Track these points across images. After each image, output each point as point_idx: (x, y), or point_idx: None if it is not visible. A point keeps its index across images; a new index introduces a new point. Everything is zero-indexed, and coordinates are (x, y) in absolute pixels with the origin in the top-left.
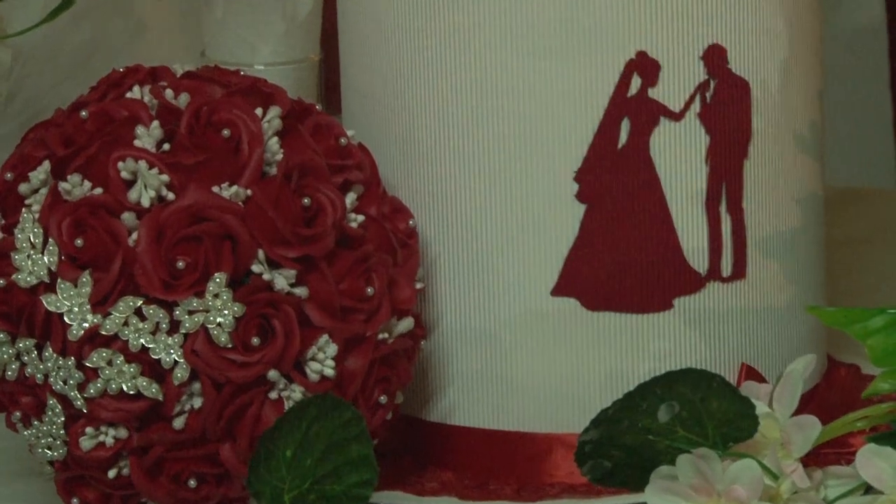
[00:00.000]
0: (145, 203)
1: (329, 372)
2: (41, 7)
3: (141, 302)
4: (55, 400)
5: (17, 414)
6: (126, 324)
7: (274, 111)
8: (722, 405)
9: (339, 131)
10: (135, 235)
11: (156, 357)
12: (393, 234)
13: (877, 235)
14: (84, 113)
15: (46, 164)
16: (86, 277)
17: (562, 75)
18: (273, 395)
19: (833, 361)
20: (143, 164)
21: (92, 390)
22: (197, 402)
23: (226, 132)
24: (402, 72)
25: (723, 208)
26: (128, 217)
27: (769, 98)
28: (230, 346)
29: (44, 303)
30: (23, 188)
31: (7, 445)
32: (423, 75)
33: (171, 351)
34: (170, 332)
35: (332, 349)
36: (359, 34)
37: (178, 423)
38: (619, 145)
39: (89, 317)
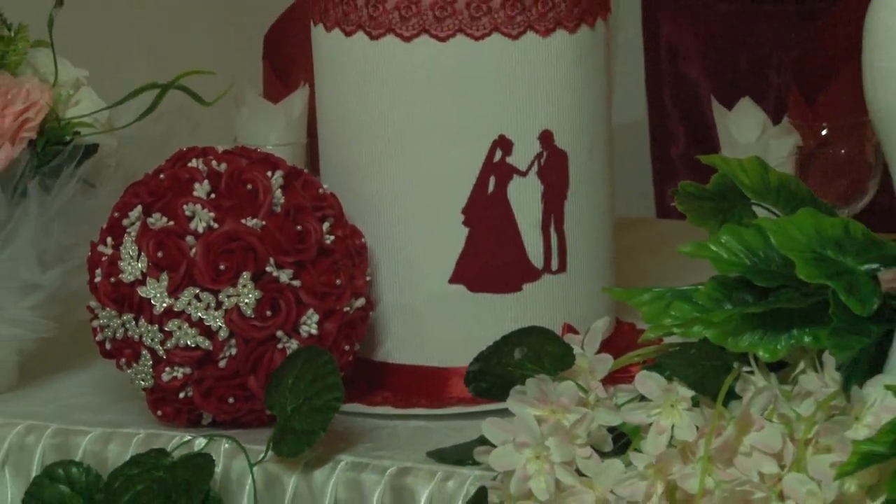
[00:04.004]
0: (200, 230)
1: (314, 332)
2: (134, 111)
3: (198, 290)
4: (146, 351)
5: (123, 360)
6: (189, 304)
7: (279, 173)
8: (553, 348)
9: (318, 185)
10: (194, 250)
11: (207, 324)
12: (352, 247)
13: (642, 247)
14: (162, 175)
15: (139, 207)
16: (164, 276)
17: (453, 150)
18: (280, 346)
19: (619, 321)
20: (198, 206)
21: (169, 344)
22: (233, 351)
23: (249, 186)
24: (357, 150)
25: (552, 229)
26: (189, 239)
27: (579, 161)
28: (253, 316)
29: (139, 292)
30: (125, 222)
31: (116, 382)
32: (368, 152)
33: (217, 320)
34: (216, 308)
35: (315, 318)
36: (330, 128)
37: (222, 364)
38: (489, 192)
39: (167, 300)
